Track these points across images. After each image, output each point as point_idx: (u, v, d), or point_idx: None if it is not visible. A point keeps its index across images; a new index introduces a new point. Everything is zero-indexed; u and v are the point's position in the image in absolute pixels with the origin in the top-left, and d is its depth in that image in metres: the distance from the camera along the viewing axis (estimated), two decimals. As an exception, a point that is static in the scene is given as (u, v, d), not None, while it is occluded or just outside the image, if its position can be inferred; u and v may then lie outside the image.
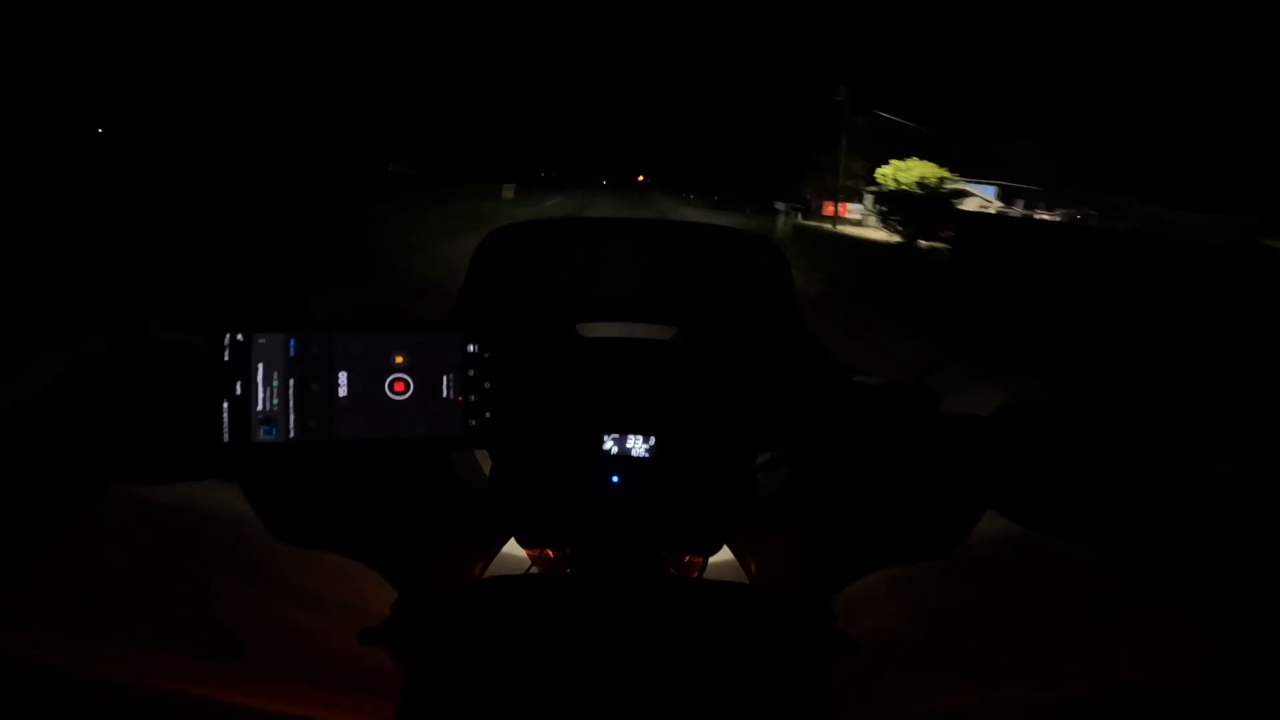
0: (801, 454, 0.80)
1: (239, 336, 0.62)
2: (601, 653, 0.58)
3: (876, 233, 21.16)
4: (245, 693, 0.97)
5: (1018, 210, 24.78)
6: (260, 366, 0.62)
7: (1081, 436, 0.63)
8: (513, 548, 0.89)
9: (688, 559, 0.90)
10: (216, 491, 0.67)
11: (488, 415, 0.66)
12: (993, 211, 22.46)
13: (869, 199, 24.57)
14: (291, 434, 0.62)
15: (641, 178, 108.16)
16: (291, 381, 0.63)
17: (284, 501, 0.68)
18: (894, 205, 19.35)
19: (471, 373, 0.66)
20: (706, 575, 0.90)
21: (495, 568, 0.89)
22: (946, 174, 19.70)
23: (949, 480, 0.69)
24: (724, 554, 0.88)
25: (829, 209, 26.63)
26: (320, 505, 0.70)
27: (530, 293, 0.86)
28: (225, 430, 0.61)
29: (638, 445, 0.74)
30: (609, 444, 0.74)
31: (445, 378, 0.66)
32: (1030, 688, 1.14)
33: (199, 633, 1.12)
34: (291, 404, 0.62)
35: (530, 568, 0.89)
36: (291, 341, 0.63)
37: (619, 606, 0.63)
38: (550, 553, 0.89)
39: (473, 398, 0.66)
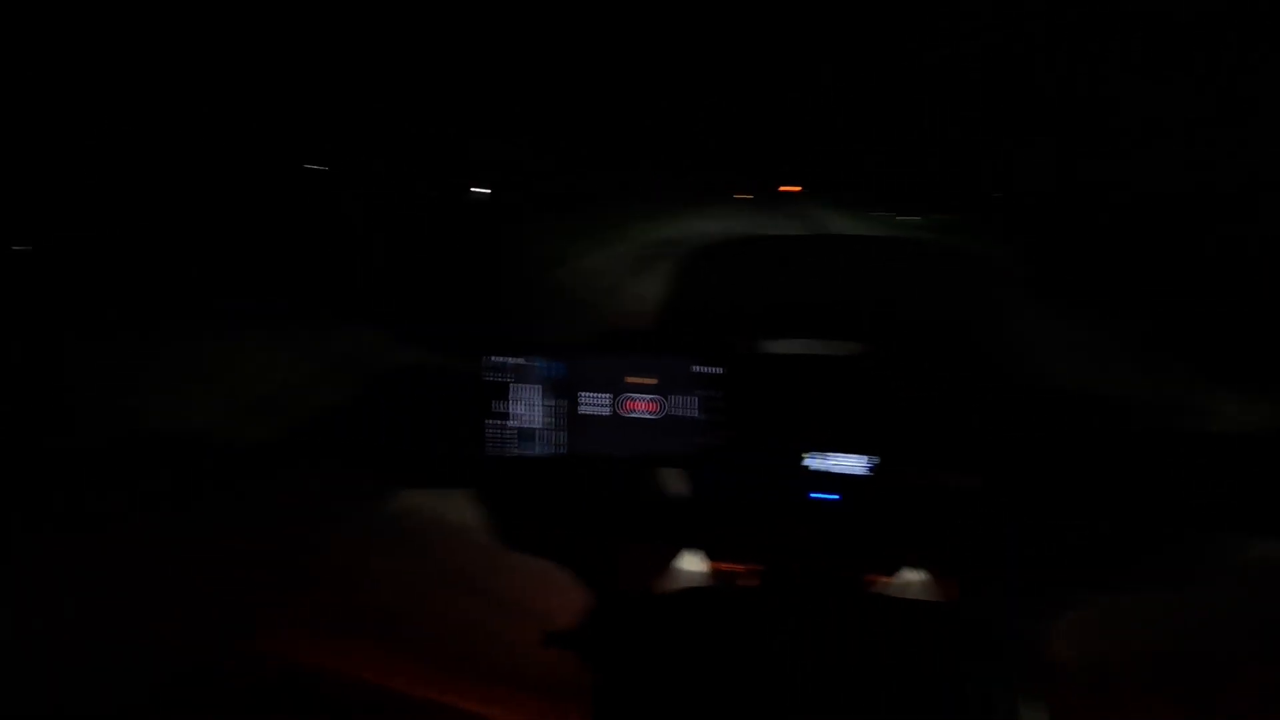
0: (1013, 479, 0.77)
1: (505, 360, 0.70)
2: (796, 667, 0.58)
3: None
4: (432, 687, 1.02)
5: None
6: (518, 387, 0.69)
7: None
8: (692, 559, 0.88)
9: (884, 577, 0.87)
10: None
11: (721, 433, 0.72)
12: None
13: None
14: (545, 449, 0.70)
15: None
16: (545, 400, 0.70)
17: (515, 510, 0.76)
18: None
19: (705, 392, 0.72)
20: (902, 595, 0.86)
21: (676, 579, 0.88)
22: None
23: (1177, 509, 0.67)
24: (919, 573, 0.86)
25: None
26: (543, 514, 0.76)
27: (721, 311, 0.88)
28: (489, 445, 0.69)
29: (848, 463, 0.75)
30: (820, 460, 0.75)
31: (681, 397, 0.71)
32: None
33: (402, 632, 1.09)
34: (545, 421, 0.70)
35: (713, 579, 0.88)
36: (546, 364, 0.70)
37: (819, 623, 0.63)
38: (737, 567, 0.88)
39: (706, 416, 0.72)
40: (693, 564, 0.87)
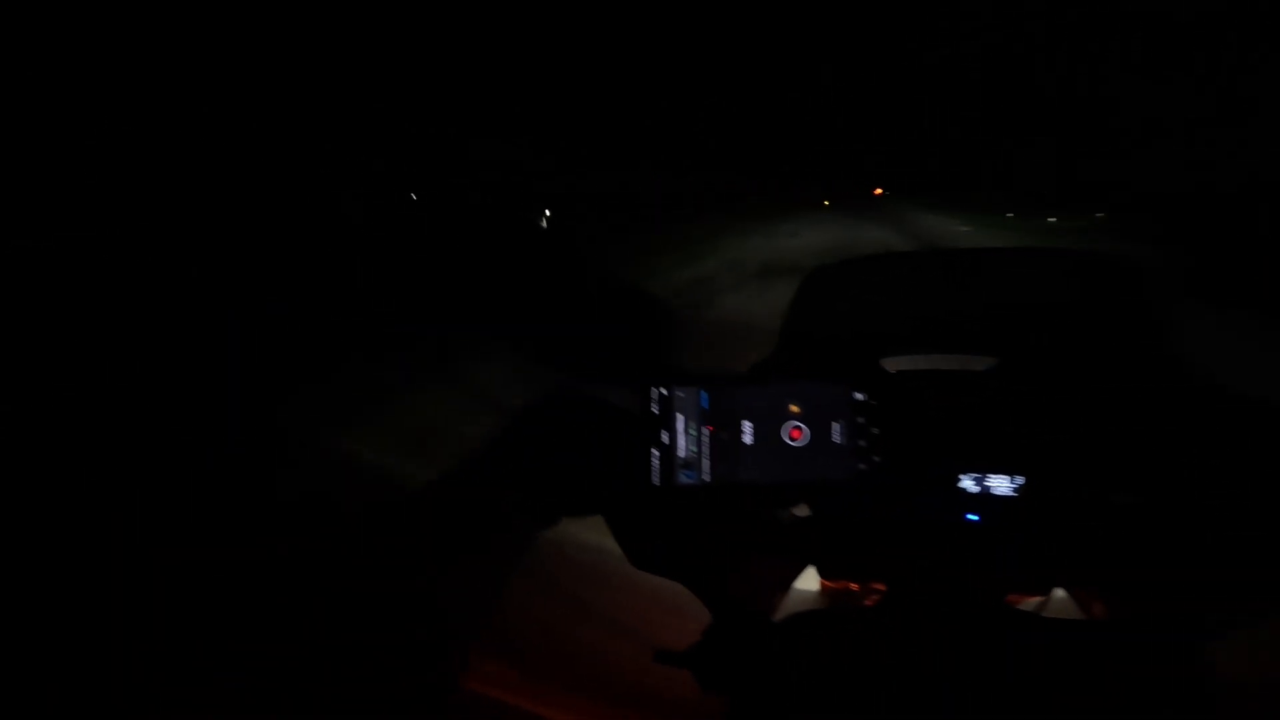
0: (1166, 493, 0.74)
1: (663, 390, 0.70)
2: (935, 689, 0.58)
3: None
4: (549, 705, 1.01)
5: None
6: (680, 417, 0.70)
7: None
8: (814, 578, 0.86)
9: (1021, 597, 0.84)
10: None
11: (876, 459, 0.71)
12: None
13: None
14: (706, 478, 0.69)
15: None
16: (705, 430, 0.70)
17: (652, 535, 0.76)
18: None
19: (860, 419, 0.71)
20: (1042, 612, 0.82)
21: (797, 600, 0.86)
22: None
23: None
24: (1063, 593, 0.82)
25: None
26: (674, 538, 0.77)
27: (844, 331, 0.88)
28: (655, 474, 0.69)
29: (996, 483, 0.75)
30: (969, 482, 0.75)
31: (836, 424, 0.71)
32: None
33: (524, 651, 1.16)
34: (706, 450, 0.69)
35: (824, 597, 0.87)
36: (704, 394, 0.71)
37: (959, 643, 0.63)
38: (853, 585, 0.87)
39: (861, 443, 0.71)
40: (813, 582, 0.85)
